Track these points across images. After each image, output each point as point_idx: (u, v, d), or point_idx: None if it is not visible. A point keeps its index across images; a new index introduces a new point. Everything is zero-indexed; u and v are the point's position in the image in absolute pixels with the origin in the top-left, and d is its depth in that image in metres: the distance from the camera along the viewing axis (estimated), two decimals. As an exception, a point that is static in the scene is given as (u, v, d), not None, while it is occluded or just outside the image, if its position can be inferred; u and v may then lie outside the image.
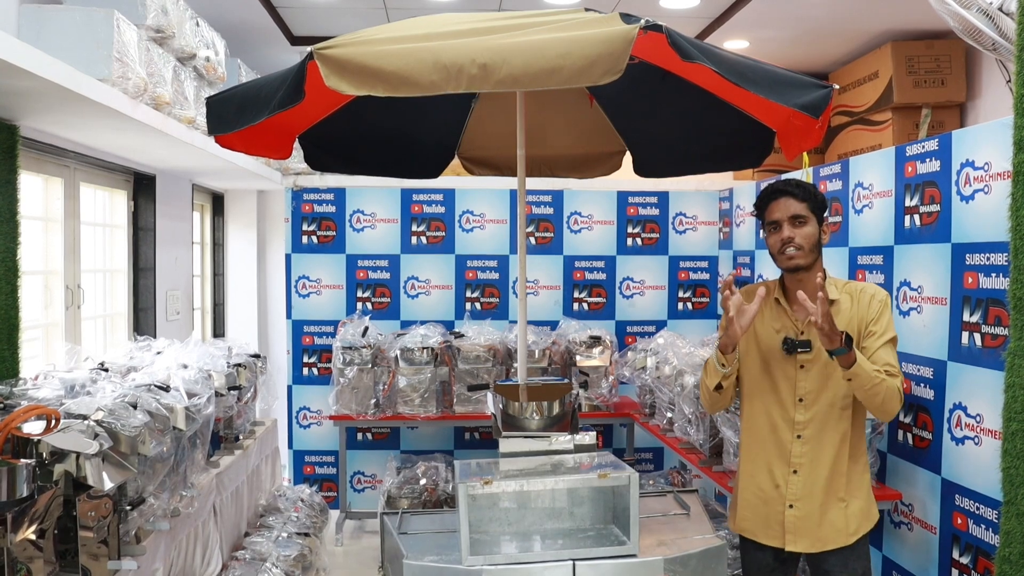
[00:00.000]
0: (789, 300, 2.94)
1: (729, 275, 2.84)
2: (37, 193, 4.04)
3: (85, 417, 2.58)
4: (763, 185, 5.35)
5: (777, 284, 2.99)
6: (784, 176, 5.04)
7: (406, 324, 6.01)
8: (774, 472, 2.92)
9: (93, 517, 2.49)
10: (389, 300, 6.12)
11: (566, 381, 3.17)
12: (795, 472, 2.88)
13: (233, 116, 2.70)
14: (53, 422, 2.39)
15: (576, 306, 6.22)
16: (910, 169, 3.72)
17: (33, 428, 2.35)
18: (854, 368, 2.69)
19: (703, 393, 3.03)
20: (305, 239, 6.10)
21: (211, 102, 2.80)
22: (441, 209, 6.14)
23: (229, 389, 3.93)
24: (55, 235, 4.16)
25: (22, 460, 2.18)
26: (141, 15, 3.54)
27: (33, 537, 2.19)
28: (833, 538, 2.86)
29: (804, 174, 4.58)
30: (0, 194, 3.28)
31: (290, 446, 6.16)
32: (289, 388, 6.15)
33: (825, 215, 2.91)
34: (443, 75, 2.21)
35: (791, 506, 2.88)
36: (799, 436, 2.87)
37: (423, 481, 5.40)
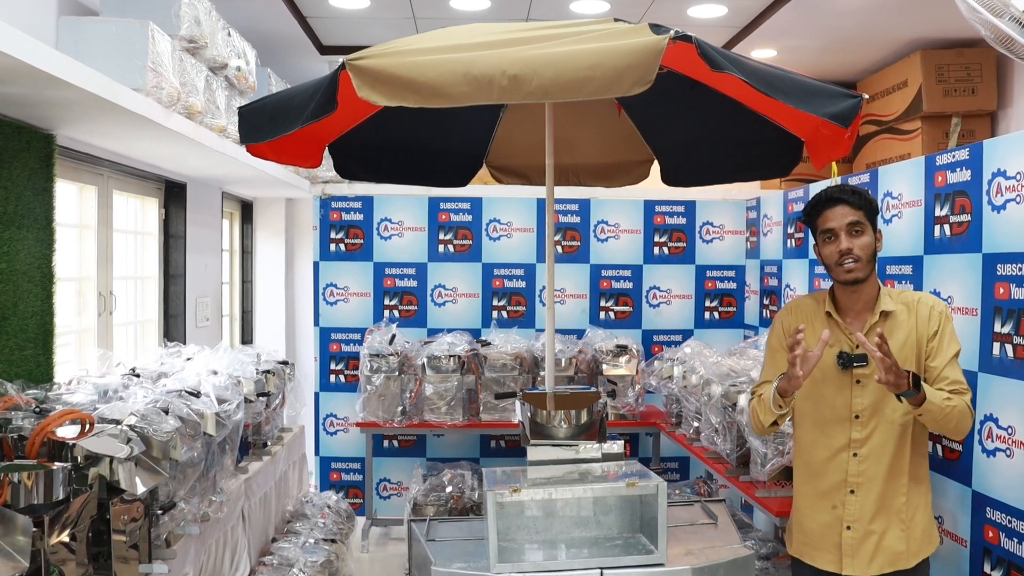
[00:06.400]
0: (841, 312, 2.81)
1: (800, 334, 2.58)
2: (72, 201, 4.10)
3: (118, 422, 2.62)
4: (790, 194, 5.37)
5: (827, 296, 2.86)
6: (814, 185, 5.02)
7: (433, 332, 6.03)
8: (830, 493, 2.79)
9: (125, 521, 2.52)
10: (416, 308, 6.15)
11: (594, 390, 3.17)
12: (852, 492, 2.75)
13: (265, 126, 2.73)
14: (87, 426, 2.43)
15: (603, 315, 6.21)
16: (940, 179, 3.69)
17: (68, 432, 2.40)
18: (924, 406, 2.56)
19: (755, 424, 2.88)
20: (333, 247, 6.14)
21: (243, 112, 2.83)
22: (468, 217, 6.17)
23: (258, 395, 3.97)
24: (89, 242, 4.23)
25: (57, 464, 2.21)
26: (175, 26, 3.59)
27: (67, 540, 2.21)
28: (892, 561, 2.72)
29: (832, 184, 4.54)
30: (37, 202, 3.34)
31: (317, 453, 6.19)
32: (316, 395, 6.19)
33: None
34: (474, 86, 2.22)
35: (848, 527, 2.74)
36: (855, 454, 2.74)
37: (449, 489, 5.41)
